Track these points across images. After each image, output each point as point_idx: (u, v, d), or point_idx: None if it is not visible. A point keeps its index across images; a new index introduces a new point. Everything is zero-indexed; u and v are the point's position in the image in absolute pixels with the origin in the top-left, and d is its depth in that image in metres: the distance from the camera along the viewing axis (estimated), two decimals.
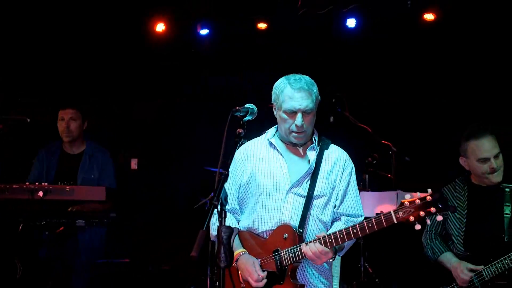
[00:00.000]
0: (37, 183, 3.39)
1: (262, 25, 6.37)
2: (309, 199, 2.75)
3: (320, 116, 6.04)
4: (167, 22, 6.35)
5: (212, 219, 2.85)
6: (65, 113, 4.22)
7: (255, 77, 6.84)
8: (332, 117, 5.60)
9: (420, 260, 4.03)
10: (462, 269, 3.23)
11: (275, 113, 2.87)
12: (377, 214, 2.63)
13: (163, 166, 6.67)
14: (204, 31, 6.47)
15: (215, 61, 6.66)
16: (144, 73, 6.56)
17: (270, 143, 2.90)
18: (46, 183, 3.39)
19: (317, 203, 2.78)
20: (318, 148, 2.86)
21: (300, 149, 2.88)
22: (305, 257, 2.63)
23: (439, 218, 2.36)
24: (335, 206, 2.85)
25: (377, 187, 5.49)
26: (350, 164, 2.92)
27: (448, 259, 3.37)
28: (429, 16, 5.84)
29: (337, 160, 2.88)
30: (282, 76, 2.85)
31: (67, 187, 3.39)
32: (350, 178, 2.89)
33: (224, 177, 2.34)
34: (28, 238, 3.52)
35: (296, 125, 2.72)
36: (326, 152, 2.85)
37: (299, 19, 6.24)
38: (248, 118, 2.60)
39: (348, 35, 6.19)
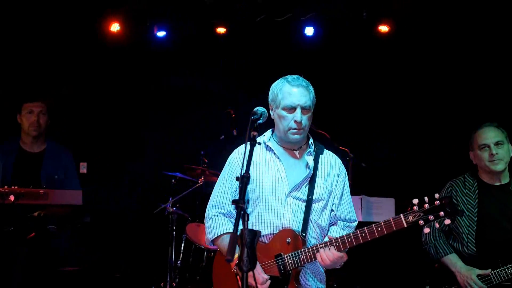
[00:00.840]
0: (6, 186, 3.15)
1: (221, 30, 6.37)
2: (309, 203, 2.75)
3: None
4: (122, 22, 6.19)
5: (211, 224, 2.84)
6: (35, 106, 3.91)
7: (211, 80, 6.85)
8: None
9: (384, 263, 4.13)
10: (473, 279, 3.22)
11: (271, 114, 2.85)
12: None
13: (115, 170, 6.45)
14: (161, 33, 6.39)
15: (172, 62, 6.57)
16: (98, 73, 6.33)
17: (267, 146, 2.88)
18: (16, 187, 3.15)
19: (315, 207, 2.78)
20: (314, 152, 2.88)
21: (297, 153, 2.88)
22: (321, 262, 2.62)
23: (448, 221, 2.43)
24: (332, 210, 2.87)
25: None
26: (344, 170, 2.96)
27: (453, 262, 3.36)
28: (383, 28, 6.09)
29: (332, 165, 2.90)
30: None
31: (41, 191, 3.16)
32: (344, 183, 2.93)
33: (246, 180, 2.29)
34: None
35: (295, 120, 2.72)
36: (321, 157, 2.88)
37: (257, 25, 6.33)
38: (260, 121, 2.59)
39: (306, 43, 6.32)
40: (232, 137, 6.05)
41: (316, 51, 6.34)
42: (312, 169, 2.81)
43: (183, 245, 5.82)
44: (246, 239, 2.02)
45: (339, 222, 2.90)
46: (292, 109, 2.73)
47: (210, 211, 2.90)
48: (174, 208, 5.39)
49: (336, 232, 2.84)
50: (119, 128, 6.59)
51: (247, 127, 2.49)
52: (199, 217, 5.51)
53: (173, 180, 5.92)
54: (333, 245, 2.61)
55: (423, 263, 3.91)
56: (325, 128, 5.72)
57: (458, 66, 5.87)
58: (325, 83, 6.51)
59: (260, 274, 2.64)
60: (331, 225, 2.91)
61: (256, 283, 2.59)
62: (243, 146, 2.92)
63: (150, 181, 6.42)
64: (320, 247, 2.64)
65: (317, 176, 2.81)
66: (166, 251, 5.97)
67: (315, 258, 2.64)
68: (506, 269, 3.18)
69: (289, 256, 2.67)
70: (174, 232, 5.54)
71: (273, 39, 6.41)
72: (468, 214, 3.41)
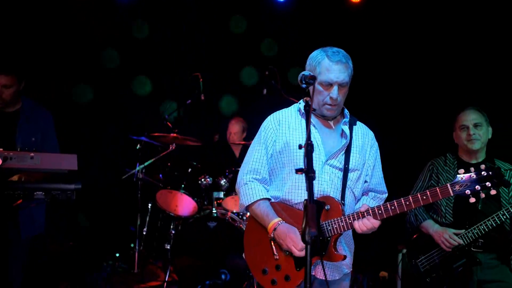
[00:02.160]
0: None
1: None
2: (345, 172, 2.73)
3: (254, 88, 6.09)
4: None
5: (246, 189, 2.77)
6: (1, 78, 3.52)
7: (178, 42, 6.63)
8: (265, 89, 5.58)
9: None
10: (449, 234, 3.49)
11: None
12: None
13: (80, 135, 6.13)
14: None
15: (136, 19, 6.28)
16: (60, 33, 5.89)
17: (304, 114, 2.75)
18: (1, 149, 2.86)
19: (351, 176, 2.76)
20: (349, 122, 2.84)
21: (331, 123, 2.83)
22: (358, 229, 2.60)
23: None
24: (365, 181, 2.86)
25: None
26: (375, 142, 2.95)
27: (431, 225, 3.62)
28: None
29: (365, 136, 2.88)
30: (318, 49, 2.76)
31: (31, 154, 2.88)
32: (377, 155, 2.93)
33: (311, 148, 2.20)
34: None
35: (331, 97, 2.67)
36: (355, 127, 2.85)
37: None
38: (304, 86, 2.51)
39: (277, 7, 6.20)
40: (200, 102, 5.90)
41: (287, 16, 6.24)
42: (349, 138, 2.79)
43: (149, 212, 5.67)
44: (313, 210, 1.91)
45: (370, 192, 2.91)
46: (329, 85, 2.67)
47: (245, 176, 2.81)
48: (143, 175, 5.18)
49: (368, 202, 2.84)
50: (83, 92, 6.24)
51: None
52: (170, 183, 5.34)
53: (138, 145, 5.69)
54: (375, 214, 2.59)
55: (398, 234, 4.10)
56: (297, 97, 5.70)
57: (436, 41, 5.92)
58: (294, 51, 6.54)
59: (299, 241, 2.59)
60: (362, 195, 2.91)
61: (295, 248, 2.57)
62: (277, 113, 2.87)
63: (116, 146, 6.13)
64: (361, 215, 2.61)
65: (352, 146, 2.79)
66: (132, 218, 5.82)
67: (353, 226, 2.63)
68: (473, 229, 3.49)
69: (329, 222, 2.64)
70: (141, 199, 5.36)
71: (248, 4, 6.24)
72: None
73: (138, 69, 6.59)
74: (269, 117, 2.89)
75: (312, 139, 2.68)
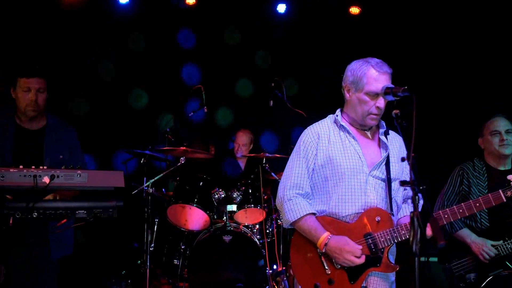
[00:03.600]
0: (41, 167, 2.71)
1: (190, 1, 6.06)
2: (389, 182, 2.74)
3: (261, 100, 6.07)
4: None
5: (291, 205, 2.74)
6: (32, 82, 3.33)
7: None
8: (271, 101, 5.58)
9: None
10: (489, 247, 3.51)
11: (347, 95, 2.80)
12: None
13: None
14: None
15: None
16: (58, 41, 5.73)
17: (342, 126, 2.82)
18: (44, 167, 2.72)
19: (394, 186, 2.77)
20: (384, 132, 2.87)
21: (369, 133, 2.86)
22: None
23: None
24: (404, 189, 2.86)
25: None
26: None
27: (468, 234, 3.63)
28: (354, 10, 6.18)
29: (400, 144, 2.91)
30: (356, 60, 2.79)
31: (79, 171, 2.77)
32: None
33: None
34: (16, 235, 2.83)
35: (377, 107, 2.69)
36: (389, 137, 2.87)
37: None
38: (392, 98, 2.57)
39: (278, 20, 6.23)
40: (203, 113, 5.84)
41: (288, 29, 6.27)
42: (389, 148, 2.82)
43: (155, 227, 5.54)
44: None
45: (408, 200, 2.92)
46: (376, 95, 2.68)
47: (288, 192, 2.78)
48: (153, 189, 5.05)
49: (409, 209, 2.86)
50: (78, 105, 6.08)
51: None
52: (181, 198, 5.23)
53: (142, 159, 5.55)
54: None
55: None
56: (300, 107, 5.73)
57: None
58: (299, 62, 6.57)
59: (356, 249, 2.61)
60: (402, 203, 2.93)
61: (353, 258, 2.56)
62: (314, 126, 2.88)
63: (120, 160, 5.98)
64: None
65: (390, 156, 2.81)
66: (134, 234, 5.65)
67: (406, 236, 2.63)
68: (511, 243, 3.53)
69: (381, 234, 2.65)
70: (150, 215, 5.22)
71: (244, 15, 6.23)
72: (479, 194, 3.69)
73: (134, 82, 6.49)
74: (307, 130, 2.90)
75: (353, 151, 2.76)
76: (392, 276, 2.82)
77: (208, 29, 6.31)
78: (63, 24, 5.78)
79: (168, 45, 6.55)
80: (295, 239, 2.83)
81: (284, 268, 4.99)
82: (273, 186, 5.52)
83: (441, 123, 5.86)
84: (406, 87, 2.44)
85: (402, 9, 5.97)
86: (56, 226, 2.93)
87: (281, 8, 6.16)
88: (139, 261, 5.48)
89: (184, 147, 5.15)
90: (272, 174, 5.25)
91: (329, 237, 2.65)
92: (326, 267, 2.68)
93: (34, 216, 2.74)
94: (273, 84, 5.60)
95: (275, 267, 5.11)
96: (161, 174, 5.07)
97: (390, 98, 2.55)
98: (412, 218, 1.92)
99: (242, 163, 6.03)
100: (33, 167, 2.71)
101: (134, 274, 5.34)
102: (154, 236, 5.47)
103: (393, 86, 2.56)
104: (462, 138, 4.24)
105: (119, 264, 5.68)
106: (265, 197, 5.32)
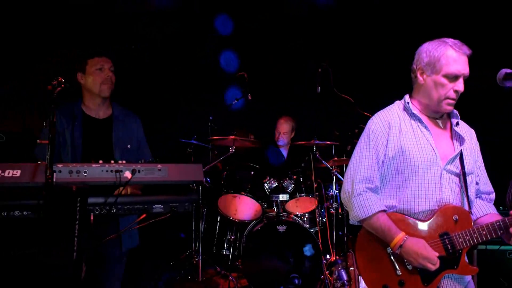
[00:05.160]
0: (123, 161, 2.63)
1: None
2: (464, 177, 2.54)
3: (308, 86, 5.94)
4: None
5: (361, 201, 2.55)
6: (104, 60, 3.27)
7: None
8: (319, 88, 5.44)
9: None
10: None
11: (420, 78, 2.57)
12: None
13: None
14: None
15: None
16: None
17: (413, 114, 2.61)
18: (123, 161, 2.64)
19: (468, 181, 2.57)
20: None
21: (440, 122, 2.64)
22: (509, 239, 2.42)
23: None
24: (476, 183, 2.67)
25: None
26: (477, 140, 2.75)
27: None
28: None
29: (471, 135, 2.70)
30: (426, 42, 2.57)
31: (159, 165, 2.68)
32: (479, 153, 2.73)
33: None
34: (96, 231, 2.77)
35: (456, 90, 2.48)
36: (459, 127, 2.66)
37: None
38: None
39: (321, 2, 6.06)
40: (247, 100, 5.73)
41: (331, 12, 6.10)
42: (464, 140, 2.61)
43: (204, 217, 5.49)
44: None
45: (482, 195, 2.72)
46: (455, 77, 2.47)
47: (358, 185, 2.56)
48: (206, 179, 4.98)
49: (489, 206, 2.67)
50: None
51: None
52: (232, 187, 5.15)
53: (188, 149, 5.49)
54: None
55: None
56: (348, 93, 5.59)
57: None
58: (344, 46, 6.41)
59: (434, 256, 2.41)
60: (476, 199, 2.72)
61: (430, 264, 2.41)
62: (383, 112, 2.66)
63: (163, 150, 5.90)
64: (503, 224, 2.42)
65: (463, 148, 2.60)
66: (181, 224, 5.61)
67: (494, 236, 2.44)
68: None
69: (460, 234, 2.46)
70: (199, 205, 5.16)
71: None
72: None
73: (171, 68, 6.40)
74: (375, 118, 2.65)
75: (425, 142, 2.53)
76: (467, 276, 2.59)
77: (247, 14, 6.16)
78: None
79: (205, 31, 6.43)
80: (362, 237, 2.62)
81: (337, 257, 4.91)
82: (324, 173, 5.41)
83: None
84: None
85: None
86: (136, 221, 2.85)
87: None
88: (188, 252, 5.45)
89: (234, 136, 5.05)
90: (323, 162, 5.14)
91: (405, 238, 2.44)
92: (397, 268, 2.48)
93: (113, 211, 2.66)
94: (320, 70, 5.47)
95: (328, 256, 5.03)
96: (213, 163, 4.99)
97: (511, 84, 2.34)
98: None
99: (285, 151, 5.92)
100: (112, 161, 2.62)
101: (184, 264, 5.29)
102: (204, 226, 5.42)
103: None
104: None
105: (168, 255, 5.63)
106: (315, 185, 5.22)
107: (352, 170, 2.63)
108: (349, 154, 5.64)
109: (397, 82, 6.18)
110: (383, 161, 2.59)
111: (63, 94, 2.85)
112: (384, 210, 2.53)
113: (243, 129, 6.55)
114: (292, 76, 6.61)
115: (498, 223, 2.44)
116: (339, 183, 5.32)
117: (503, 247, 4.17)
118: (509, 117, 5.80)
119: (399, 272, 2.49)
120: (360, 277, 2.65)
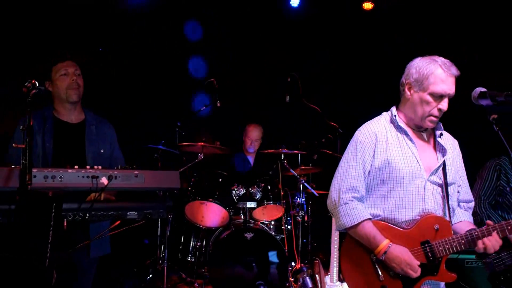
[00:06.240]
0: (99, 167, 2.59)
1: None
2: (446, 187, 2.62)
3: (277, 95, 6.00)
4: None
5: (348, 210, 2.62)
6: (68, 65, 3.20)
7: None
8: (288, 96, 5.53)
9: None
10: None
11: (408, 93, 2.66)
12: None
13: None
14: None
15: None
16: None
17: (399, 127, 2.69)
18: (99, 167, 2.61)
19: (450, 191, 2.66)
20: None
21: (424, 135, 2.72)
22: (481, 249, 2.51)
23: None
24: (458, 192, 2.75)
25: (324, 167, 5.64)
26: (459, 150, 2.85)
27: None
28: (367, 5, 6.16)
29: (454, 146, 2.78)
30: (418, 57, 2.66)
31: (136, 172, 2.66)
32: (462, 162, 2.83)
33: None
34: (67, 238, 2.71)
35: (440, 109, 2.56)
36: (443, 137, 2.76)
37: None
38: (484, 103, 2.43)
39: (291, 13, 6.16)
40: (215, 107, 5.74)
41: (302, 23, 6.20)
42: (446, 152, 2.70)
43: (169, 224, 5.44)
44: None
45: (460, 203, 2.82)
46: (440, 97, 2.55)
47: (344, 195, 2.64)
48: None
49: (466, 215, 2.78)
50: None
51: None
52: (199, 194, 5.15)
53: (155, 154, 5.44)
54: (497, 231, 2.52)
55: None
56: (315, 103, 5.69)
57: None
58: (312, 56, 6.51)
59: (415, 264, 2.51)
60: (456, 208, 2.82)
61: (411, 271, 2.50)
62: (371, 124, 2.75)
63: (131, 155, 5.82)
64: (480, 234, 2.54)
65: (446, 159, 2.70)
66: (144, 230, 5.53)
67: (473, 245, 2.55)
68: None
69: (440, 243, 2.55)
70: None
71: (258, 8, 6.14)
72: None
73: (140, 74, 6.34)
74: (363, 129, 2.73)
75: (410, 154, 2.63)
76: (442, 283, 2.70)
77: (216, 20, 6.18)
78: (69, 14, 5.57)
79: (174, 37, 6.41)
80: (347, 245, 2.70)
81: (303, 265, 4.98)
82: (291, 182, 5.47)
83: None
84: (510, 92, 2.32)
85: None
86: (110, 228, 2.81)
87: (295, 1, 6.07)
88: (153, 258, 5.39)
89: (203, 143, 5.06)
90: (291, 170, 5.20)
91: (389, 245, 2.54)
92: (380, 274, 2.57)
93: (87, 217, 2.63)
94: (289, 79, 5.56)
95: (293, 264, 5.08)
96: (181, 169, 4.96)
97: (486, 102, 2.39)
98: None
99: (251, 159, 5.96)
100: (88, 167, 2.59)
101: (148, 271, 5.23)
102: (168, 233, 5.37)
103: (487, 90, 2.43)
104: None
105: (132, 261, 5.55)
106: (282, 193, 5.28)
107: (339, 179, 2.70)
108: (315, 163, 5.76)
109: (366, 93, 6.39)
110: (369, 172, 2.67)
111: (38, 97, 2.81)
112: (370, 219, 2.61)
113: (210, 136, 6.56)
114: (260, 84, 6.65)
115: (476, 233, 2.55)
116: (306, 192, 5.40)
117: (461, 256, 4.33)
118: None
119: (381, 278, 2.58)
120: (325, 285, 2.72)
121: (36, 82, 2.77)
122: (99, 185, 2.56)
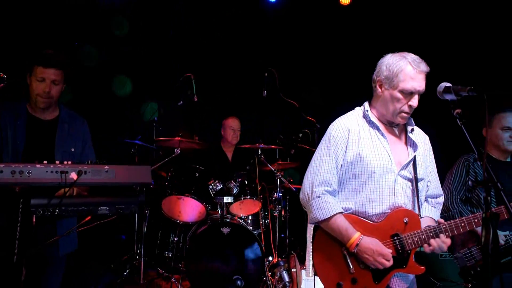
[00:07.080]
0: (69, 162, 2.56)
1: None
2: (416, 182, 2.67)
3: (254, 90, 5.99)
4: None
5: (320, 203, 2.65)
6: (48, 73, 3.10)
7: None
8: (265, 91, 5.53)
9: None
10: (500, 237, 3.58)
11: (379, 90, 2.69)
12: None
13: None
14: None
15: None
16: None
17: (371, 122, 2.72)
18: (68, 162, 2.58)
19: (420, 186, 2.70)
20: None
21: (396, 130, 2.76)
22: (437, 246, 2.56)
23: None
24: (427, 187, 2.80)
25: (301, 161, 5.66)
26: (430, 145, 2.89)
27: None
28: (344, 0, 6.18)
29: (425, 141, 2.82)
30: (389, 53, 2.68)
31: (106, 167, 2.64)
32: (432, 157, 2.88)
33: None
34: (38, 233, 2.68)
35: (410, 105, 2.60)
36: (414, 133, 2.80)
37: None
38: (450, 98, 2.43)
39: (269, 8, 6.15)
40: (192, 102, 5.71)
41: (278, 17, 6.20)
42: (417, 147, 2.74)
43: (146, 219, 5.42)
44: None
45: (428, 199, 2.86)
46: (410, 94, 2.59)
47: (317, 188, 2.66)
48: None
49: (431, 211, 2.82)
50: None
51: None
52: (176, 189, 5.13)
53: (132, 149, 5.41)
54: (448, 230, 2.59)
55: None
56: (293, 98, 5.69)
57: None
58: (289, 51, 6.51)
59: (387, 253, 2.55)
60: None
61: (384, 260, 2.54)
62: (342, 120, 2.77)
63: (108, 150, 5.77)
64: (443, 228, 2.60)
65: (417, 154, 2.73)
66: (121, 226, 5.51)
67: (438, 238, 2.58)
68: None
69: (409, 236, 2.60)
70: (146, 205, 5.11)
71: (235, 3, 6.12)
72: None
73: (118, 69, 6.28)
74: (336, 124, 2.75)
75: (382, 149, 2.67)
76: (411, 275, 2.75)
77: (195, 15, 6.14)
78: (47, 7, 5.49)
79: (155, 31, 6.36)
80: (319, 237, 2.73)
81: (280, 259, 5.00)
82: (268, 177, 5.48)
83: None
84: (472, 87, 2.31)
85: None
86: (81, 224, 2.79)
87: None
88: (129, 254, 5.36)
89: (180, 138, 5.03)
90: (268, 165, 5.21)
91: (361, 237, 2.58)
92: (350, 266, 2.61)
93: (56, 213, 2.60)
94: (266, 74, 5.55)
95: (270, 258, 5.10)
96: (157, 164, 4.94)
97: (450, 97, 2.38)
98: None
99: (229, 154, 5.95)
100: (57, 162, 2.56)
101: (125, 266, 5.20)
102: (145, 228, 5.35)
103: (452, 85, 2.43)
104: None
105: (108, 257, 5.52)
106: (259, 188, 5.28)
107: (312, 173, 2.73)
108: (293, 158, 5.78)
109: (343, 88, 6.43)
110: (341, 166, 2.70)
111: (7, 91, 2.76)
112: (341, 212, 2.64)
113: (187, 131, 6.53)
114: (238, 79, 6.64)
115: (435, 230, 2.61)
116: (283, 186, 5.42)
117: None
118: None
119: (352, 270, 2.62)
120: (301, 278, 2.74)
121: (5, 76, 2.73)
122: (68, 180, 2.53)
